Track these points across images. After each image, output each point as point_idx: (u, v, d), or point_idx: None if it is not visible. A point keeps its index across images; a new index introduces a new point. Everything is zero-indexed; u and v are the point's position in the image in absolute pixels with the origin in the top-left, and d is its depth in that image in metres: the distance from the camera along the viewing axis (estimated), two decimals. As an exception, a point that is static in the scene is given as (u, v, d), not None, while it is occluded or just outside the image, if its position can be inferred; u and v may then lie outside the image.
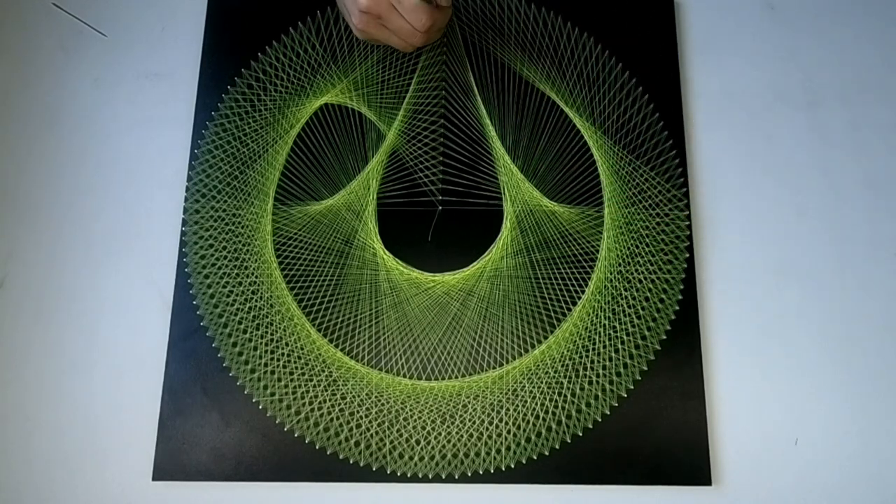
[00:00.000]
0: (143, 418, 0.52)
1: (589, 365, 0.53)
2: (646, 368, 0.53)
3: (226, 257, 0.56)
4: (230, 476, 0.51)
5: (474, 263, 0.55)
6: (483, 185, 0.57)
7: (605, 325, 0.54)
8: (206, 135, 0.59)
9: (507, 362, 0.53)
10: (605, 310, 0.54)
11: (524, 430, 0.51)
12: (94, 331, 0.55)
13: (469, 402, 0.52)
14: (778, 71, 0.62)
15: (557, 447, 0.51)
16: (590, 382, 0.52)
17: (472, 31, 0.61)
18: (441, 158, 0.58)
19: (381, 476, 0.50)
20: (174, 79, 0.61)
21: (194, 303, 0.54)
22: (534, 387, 0.52)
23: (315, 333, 0.54)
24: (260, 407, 0.52)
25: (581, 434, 0.51)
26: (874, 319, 0.55)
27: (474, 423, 0.52)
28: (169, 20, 0.63)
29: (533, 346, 0.53)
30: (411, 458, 0.51)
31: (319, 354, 0.53)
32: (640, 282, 0.55)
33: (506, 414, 0.52)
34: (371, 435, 0.51)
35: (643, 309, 0.54)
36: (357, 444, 0.51)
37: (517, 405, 0.52)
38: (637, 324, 0.54)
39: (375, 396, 0.52)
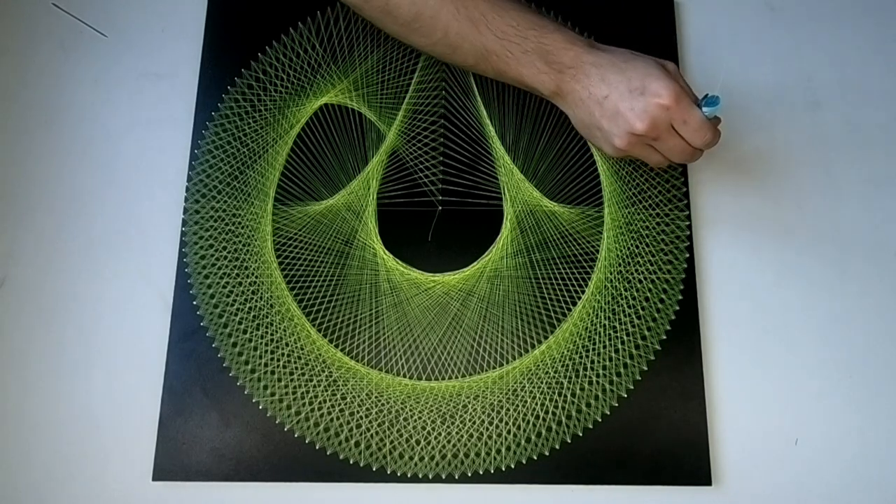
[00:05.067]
0: (143, 418, 0.52)
1: (589, 365, 0.53)
2: (646, 368, 0.53)
3: (226, 257, 0.56)
4: (230, 476, 0.51)
5: (474, 263, 0.55)
6: (483, 185, 0.57)
7: (605, 325, 0.54)
8: (206, 135, 0.59)
9: (508, 362, 0.53)
10: (605, 310, 0.54)
11: (524, 431, 0.51)
12: (94, 331, 0.55)
13: (469, 403, 0.52)
14: (778, 71, 0.62)
15: (558, 447, 0.51)
16: (590, 383, 0.52)
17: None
18: (441, 158, 0.58)
19: (381, 476, 0.50)
20: (174, 79, 0.61)
21: (194, 303, 0.54)
22: (534, 387, 0.52)
23: (315, 333, 0.54)
24: (260, 407, 0.52)
25: (581, 434, 0.51)
26: (874, 319, 0.55)
27: (474, 423, 0.52)
28: (169, 20, 0.63)
29: (533, 347, 0.53)
30: (411, 459, 0.51)
31: (319, 354, 0.53)
32: (640, 282, 0.55)
33: (506, 414, 0.52)
34: (371, 435, 0.51)
35: (643, 309, 0.54)
36: (357, 444, 0.51)
37: (517, 405, 0.52)
38: (637, 324, 0.54)
39: (375, 396, 0.52)
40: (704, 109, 0.48)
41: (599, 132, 0.52)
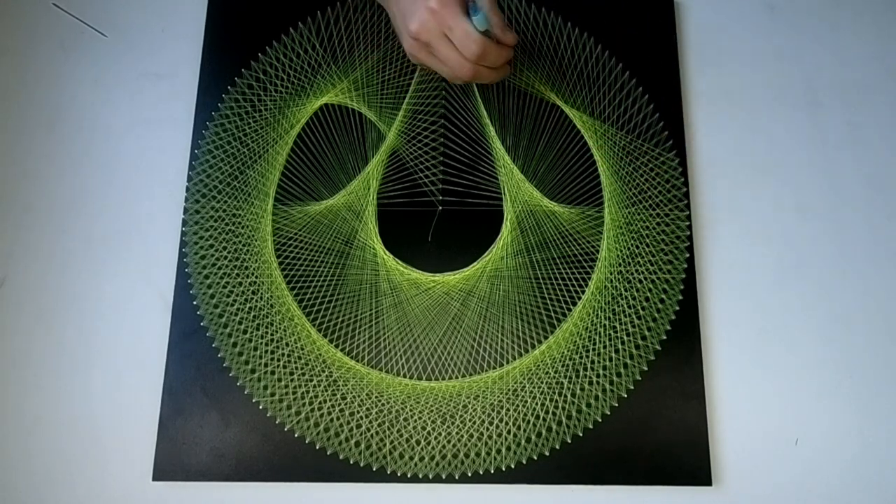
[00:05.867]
0: (143, 418, 0.52)
1: (589, 365, 0.53)
2: (646, 368, 0.53)
3: (226, 257, 0.56)
4: (230, 476, 0.51)
5: (474, 263, 0.55)
6: (483, 185, 0.57)
7: (605, 325, 0.54)
8: (206, 135, 0.59)
9: (508, 362, 0.53)
10: (605, 310, 0.54)
11: (524, 431, 0.51)
12: (95, 331, 0.55)
13: (469, 403, 0.52)
14: (778, 71, 0.62)
15: (558, 447, 0.51)
16: (590, 383, 0.52)
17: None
18: (441, 158, 0.58)
19: (381, 476, 0.50)
20: (174, 79, 0.61)
21: (194, 303, 0.54)
22: (534, 387, 0.52)
23: (315, 333, 0.54)
24: (260, 407, 0.52)
25: (581, 434, 0.51)
26: (874, 319, 0.55)
27: (474, 423, 0.52)
28: (169, 20, 0.63)
29: (533, 347, 0.53)
30: (411, 459, 0.51)
31: (319, 354, 0.53)
32: (641, 282, 0.55)
33: (506, 414, 0.52)
34: (371, 435, 0.51)
35: (643, 309, 0.54)
36: (357, 444, 0.51)
37: (517, 405, 0.52)
38: (637, 324, 0.54)
39: (375, 396, 0.52)
40: (473, 20, 0.48)
41: (398, 33, 0.53)
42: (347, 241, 0.56)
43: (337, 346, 0.53)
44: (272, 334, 0.54)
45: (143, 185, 0.59)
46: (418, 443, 0.51)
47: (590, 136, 0.58)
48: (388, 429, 0.51)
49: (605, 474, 0.51)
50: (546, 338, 0.53)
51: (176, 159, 0.59)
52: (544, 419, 0.52)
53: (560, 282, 0.55)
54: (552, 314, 0.54)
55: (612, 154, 0.58)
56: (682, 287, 0.55)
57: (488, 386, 0.52)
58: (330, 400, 0.52)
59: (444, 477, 0.50)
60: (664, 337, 0.53)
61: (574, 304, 0.54)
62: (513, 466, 0.51)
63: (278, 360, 0.53)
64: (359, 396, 0.52)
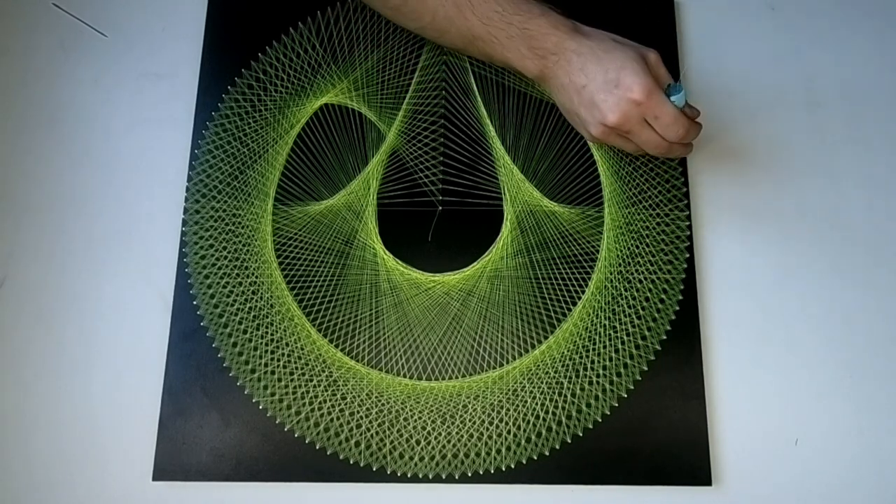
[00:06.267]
0: (143, 418, 0.52)
1: (589, 365, 0.53)
2: (646, 368, 0.53)
3: (226, 257, 0.56)
4: (230, 476, 0.51)
5: (474, 263, 0.55)
6: (483, 185, 0.57)
7: (605, 325, 0.54)
8: (206, 135, 0.59)
9: (508, 362, 0.53)
10: (605, 310, 0.54)
11: (524, 431, 0.51)
12: (94, 331, 0.55)
13: (469, 403, 0.52)
14: (778, 71, 0.62)
15: (558, 447, 0.51)
16: (590, 383, 0.52)
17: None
18: (441, 158, 0.58)
19: (381, 476, 0.50)
20: (174, 79, 0.61)
21: (194, 303, 0.54)
22: (534, 387, 0.52)
23: (315, 333, 0.54)
24: (260, 407, 0.52)
25: (581, 434, 0.51)
26: (874, 319, 0.55)
27: (474, 423, 0.52)
28: (169, 20, 0.63)
29: (533, 347, 0.53)
30: (411, 459, 0.51)
31: (319, 354, 0.53)
32: (641, 282, 0.55)
33: (506, 414, 0.52)
34: (371, 435, 0.51)
35: (643, 309, 0.54)
36: (357, 444, 0.51)
37: (517, 405, 0.52)
38: (637, 324, 0.54)
39: (375, 396, 0.52)
40: (673, 99, 0.48)
41: (578, 118, 0.53)
42: (347, 241, 0.56)
43: (337, 346, 0.53)
44: (272, 334, 0.54)
45: (143, 185, 0.59)
46: (418, 443, 0.51)
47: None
48: (388, 429, 0.51)
49: (605, 474, 0.51)
50: (546, 338, 0.54)
51: (176, 159, 0.59)
52: (544, 419, 0.52)
53: (560, 282, 0.55)
54: (552, 314, 0.54)
55: (612, 154, 0.58)
56: (682, 287, 0.55)
57: (488, 386, 0.53)
58: (330, 400, 0.52)
59: (444, 477, 0.50)
60: (664, 337, 0.53)
61: (574, 304, 0.54)
62: (513, 466, 0.51)
63: (278, 360, 0.53)
64: (359, 396, 0.52)
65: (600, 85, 0.49)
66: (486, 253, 0.56)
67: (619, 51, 0.50)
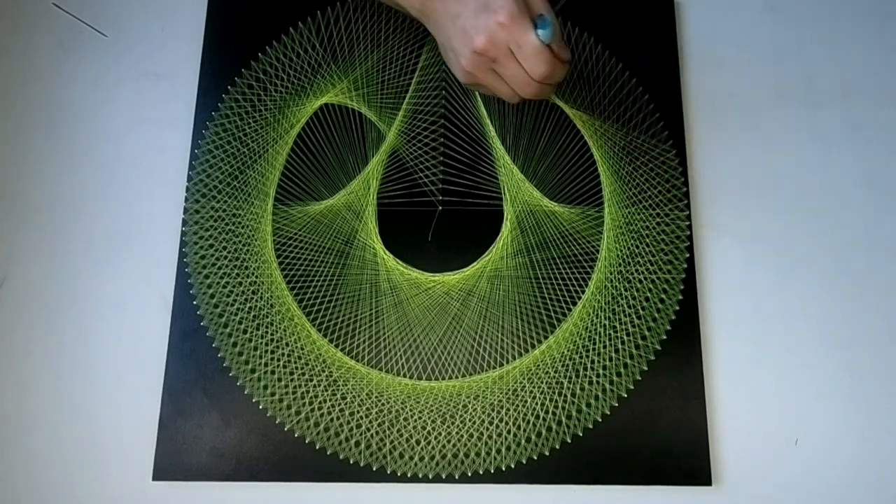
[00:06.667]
0: (143, 418, 0.52)
1: (589, 365, 0.53)
2: (646, 368, 0.53)
3: (226, 257, 0.56)
4: (230, 476, 0.51)
5: (474, 263, 0.55)
6: (483, 185, 0.57)
7: (605, 325, 0.54)
8: (206, 135, 0.59)
9: (508, 362, 0.53)
10: (605, 310, 0.54)
11: (524, 430, 0.51)
12: (94, 331, 0.55)
13: (469, 402, 0.52)
14: (778, 71, 0.62)
15: (558, 447, 0.51)
16: (590, 382, 0.52)
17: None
18: (441, 158, 0.58)
19: (381, 476, 0.50)
20: (174, 79, 0.61)
21: (194, 303, 0.54)
22: (534, 387, 0.52)
23: (315, 333, 0.54)
24: (260, 407, 0.52)
25: (581, 434, 0.51)
26: (874, 319, 0.55)
27: (474, 423, 0.52)
28: (169, 20, 0.63)
29: (533, 346, 0.53)
30: (411, 458, 0.51)
31: (319, 354, 0.53)
32: (641, 282, 0.55)
33: (506, 414, 0.52)
34: (371, 435, 0.51)
35: (643, 309, 0.54)
36: (357, 444, 0.51)
37: (517, 405, 0.52)
38: (637, 324, 0.54)
39: (375, 396, 0.52)
40: (539, 32, 0.46)
41: (452, 53, 0.51)
42: (347, 241, 0.56)
43: (337, 346, 0.53)
44: (272, 334, 0.54)
45: (143, 185, 0.59)
46: (418, 443, 0.51)
47: (590, 136, 0.58)
48: (388, 429, 0.51)
49: (605, 474, 0.51)
50: (546, 338, 0.54)
51: (176, 159, 0.59)
52: (544, 419, 0.52)
53: (560, 282, 0.55)
54: (552, 314, 0.54)
55: (612, 154, 0.58)
56: (682, 287, 0.55)
57: (488, 386, 0.53)
58: (330, 400, 0.52)
59: (444, 477, 0.50)
60: (664, 337, 0.53)
61: (574, 303, 0.54)
62: (513, 466, 0.51)
63: (278, 359, 0.53)
64: (359, 396, 0.52)
65: (471, 11, 0.47)
66: (486, 253, 0.56)
67: None
